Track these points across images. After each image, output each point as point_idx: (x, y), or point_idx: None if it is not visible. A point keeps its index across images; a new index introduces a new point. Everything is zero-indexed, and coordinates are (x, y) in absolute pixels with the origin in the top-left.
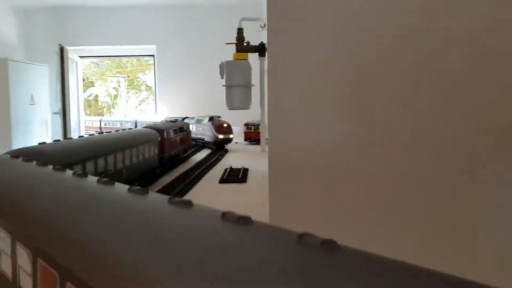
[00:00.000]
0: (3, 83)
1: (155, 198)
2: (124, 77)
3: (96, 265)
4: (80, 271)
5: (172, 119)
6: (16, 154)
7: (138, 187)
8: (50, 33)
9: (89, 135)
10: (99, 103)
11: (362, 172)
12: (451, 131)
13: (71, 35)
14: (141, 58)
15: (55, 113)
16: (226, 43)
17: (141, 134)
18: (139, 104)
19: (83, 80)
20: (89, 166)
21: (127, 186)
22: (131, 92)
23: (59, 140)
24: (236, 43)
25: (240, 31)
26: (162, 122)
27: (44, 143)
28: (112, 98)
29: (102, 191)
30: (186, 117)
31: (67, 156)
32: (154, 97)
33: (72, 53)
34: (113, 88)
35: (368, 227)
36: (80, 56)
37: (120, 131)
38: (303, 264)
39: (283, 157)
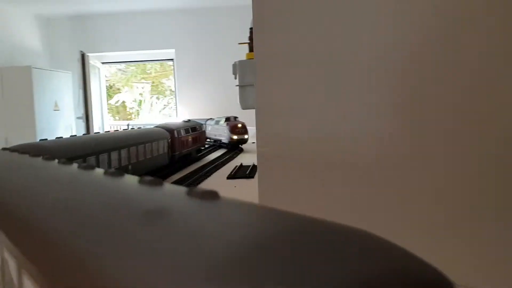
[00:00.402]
0: (28, 90)
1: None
2: (149, 83)
3: (38, 243)
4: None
5: (186, 120)
6: (12, 149)
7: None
8: (73, 40)
9: (95, 133)
10: (127, 109)
11: (356, 170)
12: (450, 130)
13: (92, 42)
14: (164, 63)
15: (78, 118)
16: (239, 43)
17: (150, 133)
18: (163, 108)
19: (110, 87)
20: (91, 161)
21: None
22: (155, 97)
23: (61, 137)
24: (248, 43)
25: (252, 30)
26: (173, 123)
27: (45, 139)
28: (139, 103)
29: (83, 176)
30: (210, 119)
31: (67, 151)
32: (175, 101)
33: (93, 60)
34: (140, 94)
35: (363, 226)
36: (102, 62)
37: (129, 129)
38: (185, 211)
39: (272, 151)
